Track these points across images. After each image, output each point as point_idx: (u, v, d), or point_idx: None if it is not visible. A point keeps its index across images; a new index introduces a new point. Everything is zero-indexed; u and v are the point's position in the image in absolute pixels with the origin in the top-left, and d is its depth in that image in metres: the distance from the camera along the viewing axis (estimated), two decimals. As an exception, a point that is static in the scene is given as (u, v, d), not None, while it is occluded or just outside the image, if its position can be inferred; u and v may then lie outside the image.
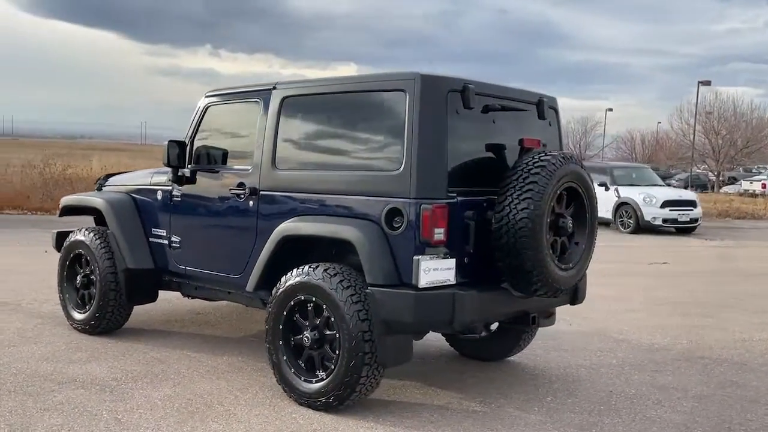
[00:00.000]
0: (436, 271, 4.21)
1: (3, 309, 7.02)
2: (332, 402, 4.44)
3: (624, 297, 9.07)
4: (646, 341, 6.76)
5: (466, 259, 4.43)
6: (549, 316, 5.37)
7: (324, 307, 4.42)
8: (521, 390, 5.14)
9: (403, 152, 4.31)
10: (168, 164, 5.46)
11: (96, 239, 6.00)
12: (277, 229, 4.74)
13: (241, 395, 4.78)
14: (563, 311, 7.59)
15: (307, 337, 4.53)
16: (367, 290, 4.27)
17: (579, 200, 4.73)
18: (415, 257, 4.16)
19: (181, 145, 5.52)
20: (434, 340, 5.97)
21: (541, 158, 4.48)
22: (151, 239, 5.91)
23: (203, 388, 4.88)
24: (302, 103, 4.98)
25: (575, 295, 5.17)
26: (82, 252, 6.12)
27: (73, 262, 6.25)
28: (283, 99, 5.01)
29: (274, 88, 5.12)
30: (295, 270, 4.57)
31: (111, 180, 6.65)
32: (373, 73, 4.71)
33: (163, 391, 4.80)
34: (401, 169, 4.30)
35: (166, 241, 5.80)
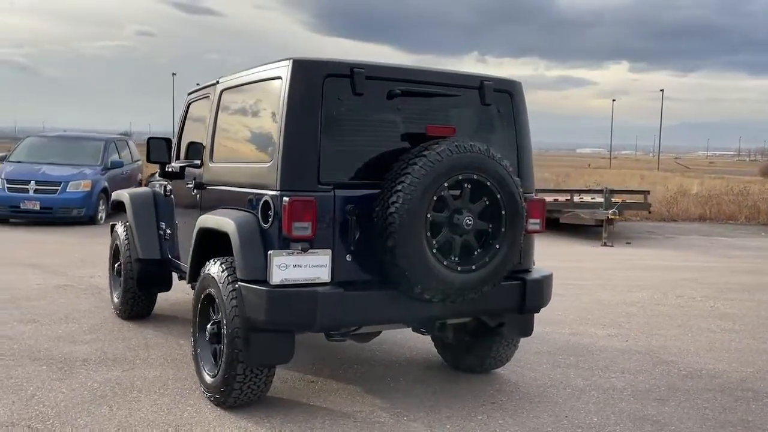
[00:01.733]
0: (297, 268, 3.98)
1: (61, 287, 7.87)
2: (219, 398, 4.39)
3: (735, 315, 7.79)
4: (697, 366, 5.75)
5: (348, 257, 4.13)
6: (500, 325, 4.81)
7: (217, 301, 4.39)
8: (458, 406, 4.66)
9: (274, 143, 4.15)
10: (149, 160, 5.75)
11: (123, 232, 6.50)
12: (196, 221, 4.80)
13: (172, 384, 4.90)
14: (630, 326, 6.81)
15: (208, 330, 4.53)
16: (236, 285, 4.16)
17: (491, 196, 4.20)
18: (269, 252, 3.98)
19: (165, 141, 5.78)
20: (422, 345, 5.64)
21: (426, 148, 4.05)
22: (159, 231, 6.27)
23: (150, 375, 5.08)
24: (230, 96, 4.99)
25: (523, 302, 4.58)
26: (117, 243, 6.66)
27: (114, 252, 6.83)
28: (221, 93, 5.06)
29: (217, 82, 5.18)
30: (208, 263, 4.59)
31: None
32: (266, 63, 4.56)
33: (111, 374, 5.08)
34: (273, 160, 4.14)
35: (162, 232, 6.13)
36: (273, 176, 4.10)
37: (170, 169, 5.73)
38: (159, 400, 4.60)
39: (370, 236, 4.11)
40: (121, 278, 6.48)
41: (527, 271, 4.77)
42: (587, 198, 16.39)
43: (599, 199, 15.31)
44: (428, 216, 4.00)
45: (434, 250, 4.04)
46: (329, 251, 4.05)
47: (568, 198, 15.70)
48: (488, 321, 4.85)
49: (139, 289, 6.34)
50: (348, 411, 4.51)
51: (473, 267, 4.18)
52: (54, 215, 14.21)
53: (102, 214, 15.02)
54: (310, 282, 4.00)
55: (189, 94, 5.93)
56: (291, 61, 4.14)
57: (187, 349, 5.61)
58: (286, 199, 3.98)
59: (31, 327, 6.32)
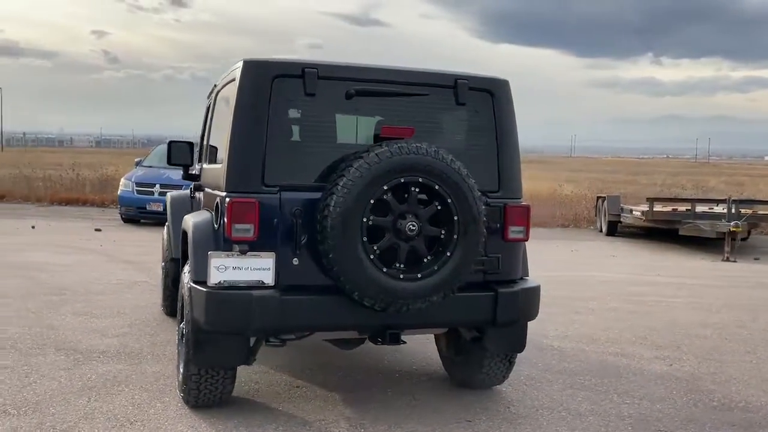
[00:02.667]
0: (237, 270, 3.93)
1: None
2: (184, 396, 4.43)
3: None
4: (735, 398, 5.11)
5: (296, 261, 4.03)
6: (476, 339, 4.51)
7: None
8: (429, 421, 4.41)
9: (226, 144, 4.14)
10: (169, 163, 5.92)
11: (165, 232, 6.75)
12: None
13: (163, 381, 5.00)
14: (690, 349, 6.21)
15: (179, 330, 4.59)
16: (189, 286, 4.18)
17: (441, 200, 3.94)
18: (208, 253, 3.95)
19: (188, 144, 5.93)
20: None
21: (367, 150, 3.87)
22: None
23: (150, 370, 5.23)
24: (217, 98, 5.03)
25: (494, 315, 4.27)
26: (162, 243, 6.93)
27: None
28: (216, 95, 5.13)
29: (216, 85, 5.25)
30: (186, 264, 4.66)
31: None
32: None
33: (115, 367, 5.28)
34: (224, 162, 4.13)
35: None
36: (223, 177, 4.09)
37: (191, 172, 5.89)
38: (138, 395, 4.71)
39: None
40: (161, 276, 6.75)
41: (511, 281, 4.44)
42: (719, 208, 15.09)
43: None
44: (365, 220, 3.82)
45: (372, 256, 3.85)
46: (273, 254, 3.96)
47: (689, 208, 14.55)
48: (464, 334, 4.57)
49: (172, 287, 6.55)
50: (311, 419, 4.40)
51: (419, 275, 3.94)
52: None
53: None
54: (252, 285, 3.93)
55: (207, 97, 6.07)
56: (242, 62, 4.11)
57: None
58: (227, 200, 3.95)
59: (79, 319, 6.71)
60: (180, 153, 5.89)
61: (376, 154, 3.83)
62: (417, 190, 3.90)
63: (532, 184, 26.11)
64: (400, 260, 3.92)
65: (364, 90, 4.17)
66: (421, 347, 5.94)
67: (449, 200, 3.93)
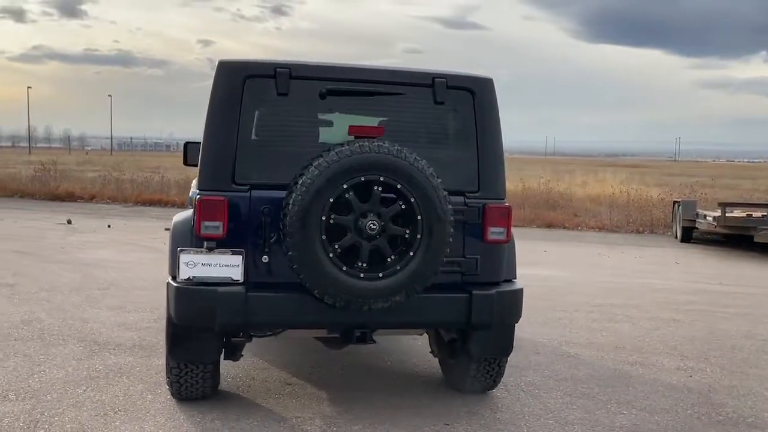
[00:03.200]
0: (206, 266, 4.00)
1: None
2: (170, 389, 4.54)
3: None
4: (749, 412, 4.82)
5: (265, 258, 4.07)
6: (453, 341, 4.43)
7: None
8: (406, 423, 4.36)
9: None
10: (185, 163, 6.06)
11: None
12: None
13: (162, 373, 5.12)
14: (718, 360, 5.95)
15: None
16: (167, 281, 4.28)
17: (405, 200, 3.89)
18: (177, 249, 4.04)
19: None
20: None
21: (328, 149, 3.87)
22: None
23: (156, 363, 5.37)
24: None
25: (469, 316, 4.18)
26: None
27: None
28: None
29: None
30: None
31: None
32: None
33: (123, 359, 5.47)
34: (199, 161, 4.22)
35: None
36: (198, 176, 4.19)
37: None
38: (134, 386, 4.87)
39: None
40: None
41: (491, 284, 4.34)
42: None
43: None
44: (324, 218, 3.81)
45: (331, 254, 3.84)
46: (242, 251, 4.02)
47: (765, 213, 13.73)
48: (443, 335, 4.49)
49: None
50: (288, 415, 4.44)
51: (380, 275, 3.90)
52: None
53: None
54: (220, 281, 4.00)
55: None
56: (219, 62, 4.19)
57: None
58: (197, 197, 4.03)
59: (111, 313, 6.99)
60: (194, 153, 6.04)
61: (336, 153, 3.82)
62: (380, 189, 3.87)
63: (602, 187, 25.33)
64: (363, 259, 3.89)
65: (336, 89, 4.17)
66: (427, 349, 5.87)
67: (412, 199, 3.87)
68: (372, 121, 4.32)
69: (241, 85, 4.09)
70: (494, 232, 4.29)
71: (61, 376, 5.01)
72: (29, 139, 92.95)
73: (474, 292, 4.21)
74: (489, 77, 4.46)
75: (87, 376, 5.03)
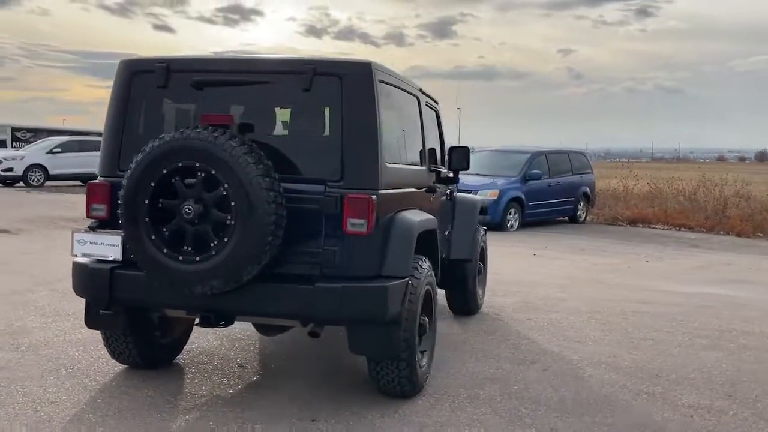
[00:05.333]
0: (93, 245, 4.45)
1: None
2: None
3: None
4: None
5: None
6: (313, 335, 4.46)
7: None
8: (275, 411, 4.38)
9: None
10: None
11: None
12: None
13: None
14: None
15: None
16: None
17: (222, 186, 3.97)
18: (72, 229, 4.62)
19: None
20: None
21: (159, 137, 4.13)
22: None
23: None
24: None
25: (312, 308, 4.15)
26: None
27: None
28: None
29: None
30: None
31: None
32: None
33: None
34: None
35: None
36: None
37: None
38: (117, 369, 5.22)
39: None
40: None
41: (355, 278, 4.18)
42: None
43: None
44: (146, 202, 4.06)
45: (153, 236, 4.08)
46: (121, 232, 4.45)
47: None
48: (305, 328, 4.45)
49: None
50: (202, 393, 4.68)
51: (197, 258, 4.03)
52: None
53: (513, 222, 15.76)
54: (104, 259, 4.45)
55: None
56: (119, 62, 4.68)
57: (222, 332, 6.10)
58: (87, 183, 4.61)
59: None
60: None
61: (159, 139, 4.07)
62: (201, 175, 4.00)
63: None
64: (188, 243, 4.07)
65: (207, 81, 4.40)
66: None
67: (225, 186, 3.95)
68: (239, 110, 4.45)
69: (129, 81, 4.53)
70: (354, 224, 4.14)
71: (42, 365, 5.81)
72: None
73: (316, 284, 4.13)
74: (366, 61, 4.32)
75: (68, 366, 5.40)
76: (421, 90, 5.65)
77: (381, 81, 4.41)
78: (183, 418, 4.27)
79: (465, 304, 7.04)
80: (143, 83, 4.52)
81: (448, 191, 6.37)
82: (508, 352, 5.88)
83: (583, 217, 18.14)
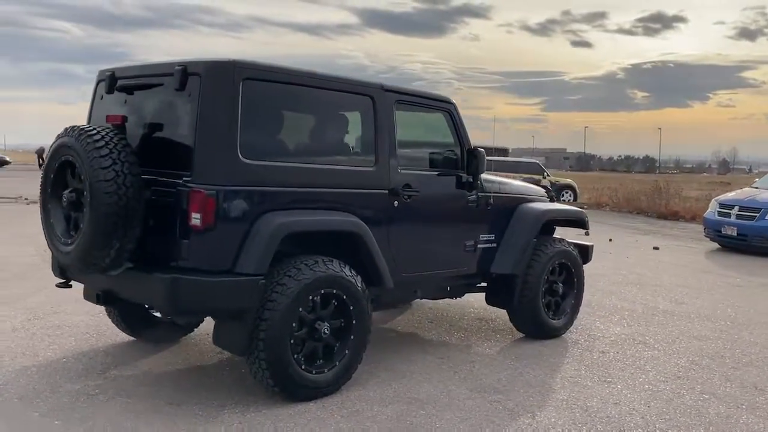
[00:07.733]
0: None
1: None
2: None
3: None
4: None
5: None
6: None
7: None
8: (213, 396, 4.53)
9: None
10: None
11: None
12: None
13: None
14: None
15: None
16: None
17: (82, 177, 4.34)
18: None
19: None
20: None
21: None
22: None
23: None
24: None
25: (167, 300, 4.32)
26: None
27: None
28: None
29: None
30: None
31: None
32: None
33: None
34: None
35: None
36: None
37: None
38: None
39: None
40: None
41: (204, 271, 4.24)
42: None
43: None
44: (49, 191, 4.62)
45: (52, 220, 4.62)
46: None
47: None
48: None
49: None
50: (160, 372, 4.95)
51: (69, 242, 4.48)
52: (749, 243, 13.15)
53: None
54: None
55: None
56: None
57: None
58: None
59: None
60: None
61: (57, 136, 4.56)
62: (76, 168, 4.41)
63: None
64: (70, 228, 4.55)
65: (121, 86, 4.93)
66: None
67: (81, 177, 4.35)
68: (135, 111, 4.80)
69: (95, 87, 5.25)
70: (195, 218, 4.21)
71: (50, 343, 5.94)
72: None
73: (161, 275, 4.23)
74: (226, 60, 4.42)
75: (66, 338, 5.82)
76: (383, 88, 5.26)
77: (253, 78, 4.45)
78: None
79: (523, 324, 6.32)
80: (100, 90, 5.17)
81: (474, 197, 5.84)
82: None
83: None
